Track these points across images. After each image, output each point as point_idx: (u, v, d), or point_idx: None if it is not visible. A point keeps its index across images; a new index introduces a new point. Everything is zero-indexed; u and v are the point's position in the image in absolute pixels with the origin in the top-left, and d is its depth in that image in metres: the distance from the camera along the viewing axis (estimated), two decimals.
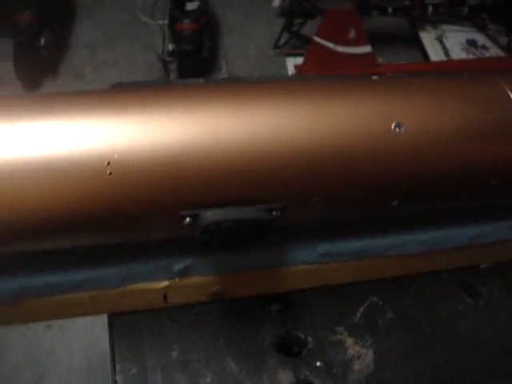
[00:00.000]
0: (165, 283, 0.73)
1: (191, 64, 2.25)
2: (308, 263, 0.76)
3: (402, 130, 0.68)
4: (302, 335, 0.76)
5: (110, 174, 0.61)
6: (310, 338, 0.76)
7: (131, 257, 0.71)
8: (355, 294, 0.81)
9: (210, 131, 0.63)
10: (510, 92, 0.75)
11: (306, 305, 0.79)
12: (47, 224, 0.61)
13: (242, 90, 0.69)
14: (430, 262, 0.82)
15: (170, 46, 2.21)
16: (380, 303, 0.80)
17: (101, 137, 0.61)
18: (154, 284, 0.73)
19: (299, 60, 2.32)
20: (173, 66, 2.28)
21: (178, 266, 0.72)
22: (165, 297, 0.74)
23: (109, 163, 0.61)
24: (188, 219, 0.64)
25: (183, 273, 0.73)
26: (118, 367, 0.71)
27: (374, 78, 0.74)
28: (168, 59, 2.23)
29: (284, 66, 2.43)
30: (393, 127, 0.68)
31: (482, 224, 0.82)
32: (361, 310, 0.79)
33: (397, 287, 0.82)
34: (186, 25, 2.18)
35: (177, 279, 0.73)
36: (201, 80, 1.00)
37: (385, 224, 0.78)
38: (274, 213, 0.66)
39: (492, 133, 0.72)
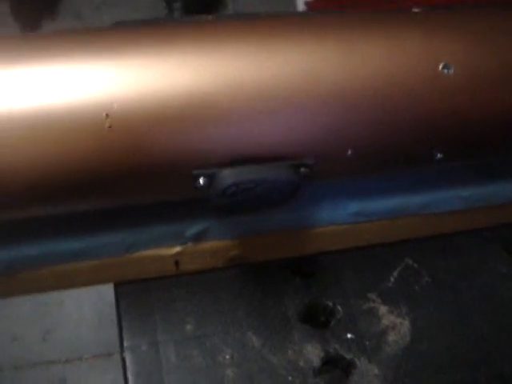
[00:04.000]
0: (176, 249, 0.63)
1: (196, 2, 2.08)
2: (337, 224, 0.66)
3: (451, 71, 0.56)
4: (330, 303, 0.66)
5: (109, 127, 0.50)
6: (339, 307, 0.66)
7: (137, 221, 0.60)
8: (389, 256, 0.70)
9: (225, 75, 0.52)
10: None
11: (335, 269, 0.68)
12: (37, 188, 0.51)
13: (261, 27, 0.56)
14: (471, 219, 0.71)
15: None
16: (415, 266, 0.70)
17: (97, 84, 0.50)
18: (164, 250, 0.62)
19: None
20: (177, 5, 2.12)
21: (192, 231, 0.62)
22: (177, 263, 0.64)
23: (107, 115, 0.49)
24: (202, 180, 0.53)
25: (197, 238, 0.62)
26: (126, 343, 0.62)
27: (416, 10, 0.61)
28: None
29: (294, 3, 2.25)
30: (440, 68, 0.56)
31: None
32: (395, 274, 0.69)
33: (433, 248, 0.72)
34: None
35: (190, 244, 0.63)
36: (209, 17, 0.87)
37: (423, 179, 0.67)
38: (301, 170, 0.55)
39: None
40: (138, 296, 0.64)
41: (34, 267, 0.59)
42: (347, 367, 0.63)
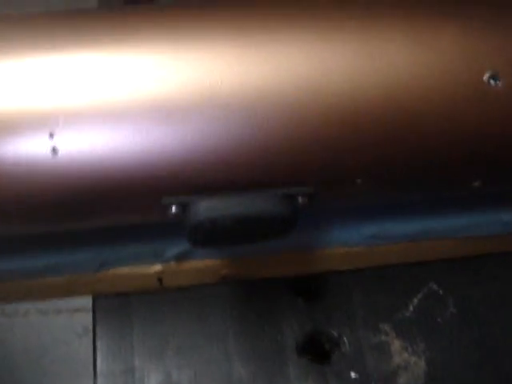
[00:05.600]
0: (157, 267, 0.52)
1: None
2: (349, 246, 0.54)
3: (499, 82, 0.42)
4: (334, 333, 0.55)
5: (54, 151, 0.39)
6: (344, 338, 0.55)
7: (109, 239, 0.50)
8: (409, 279, 0.57)
9: (202, 77, 0.40)
10: None
11: (344, 292, 0.57)
12: None
13: (246, 16, 0.43)
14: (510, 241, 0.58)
15: None
16: (440, 292, 0.58)
17: (37, 95, 0.38)
18: (143, 269, 0.52)
19: None
20: None
21: (173, 251, 0.51)
22: (160, 280, 0.54)
23: (52, 135, 0.38)
24: (174, 208, 0.42)
25: (180, 257, 0.52)
26: (98, 367, 0.53)
27: None
28: None
29: None
30: (485, 78, 0.42)
31: None
32: (415, 300, 0.57)
33: (463, 271, 0.58)
34: None
35: (172, 263, 0.52)
36: None
37: (456, 202, 0.53)
38: (299, 199, 0.43)
39: None
40: (117, 313, 0.55)
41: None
42: None
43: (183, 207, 0.41)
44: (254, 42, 0.41)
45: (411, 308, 0.57)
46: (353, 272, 0.57)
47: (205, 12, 0.44)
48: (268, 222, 0.42)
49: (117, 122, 0.39)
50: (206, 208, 0.40)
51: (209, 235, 0.42)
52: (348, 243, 0.53)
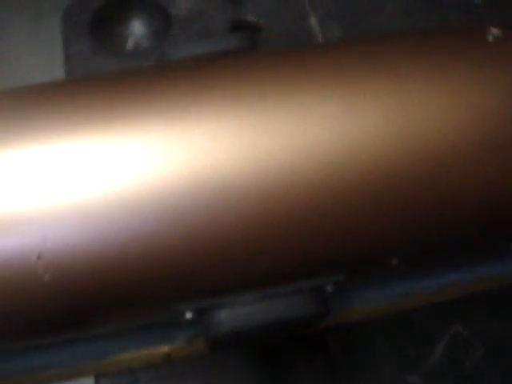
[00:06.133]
0: (165, 348, 0.47)
1: None
2: (372, 305, 0.49)
3: None
4: None
5: (44, 274, 0.32)
6: None
7: (115, 332, 0.44)
8: (433, 323, 0.53)
9: (210, 164, 0.33)
10: None
11: (366, 343, 0.52)
12: None
13: (244, 80, 0.36)
14: None
15: None
16: (465, 333, 0.54)
17: (19, 214, 0.32)
18: (151, 351, 0.47)
19: None
20: None
21: (183, 335, 0.45)
22: (168, 356, 0.48)
23: (39, 257, 0.32)
24: (189, 315, 0.36)
25: (191, 338, 0.46)
26: None
27: (494, 31, 0.39)
28: None
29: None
30: None
31: None
32: (441, 345, 0.53)
33: (486, 305, 0.54)
34: None
35: (182, 343, 0.47)
36: None
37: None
38: (328, 289, 0.37)
39: None
40: None
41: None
42: None
43: (199, 313, 0.36)
44: (262, 119, 0.35)
45: (437, 354, 0.52)
46: (373, 321, 0.53)
47: (196, 79, 0.37)
48: (296, 322, 0.37)
49: (112, 227, 0.33)
50: (227, 318, 0.35)
51: (231, 343, 0.36)
52: (372, 303, 0.48)
